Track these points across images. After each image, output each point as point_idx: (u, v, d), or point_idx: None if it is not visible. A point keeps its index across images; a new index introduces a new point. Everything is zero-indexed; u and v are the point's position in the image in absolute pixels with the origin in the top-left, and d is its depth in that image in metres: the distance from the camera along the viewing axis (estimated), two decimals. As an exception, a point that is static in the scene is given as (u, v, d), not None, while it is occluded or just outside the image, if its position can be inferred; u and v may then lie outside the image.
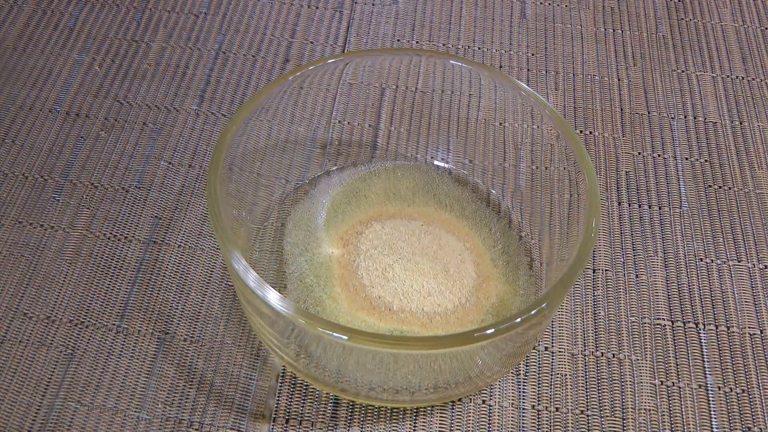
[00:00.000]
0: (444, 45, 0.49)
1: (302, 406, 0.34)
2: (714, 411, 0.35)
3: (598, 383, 0.35)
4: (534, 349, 0.36)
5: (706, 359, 0.36)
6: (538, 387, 0.35)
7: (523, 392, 0.35)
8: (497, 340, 0.30)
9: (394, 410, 0.34)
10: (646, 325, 0.37)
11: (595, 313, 0.38)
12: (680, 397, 0.35)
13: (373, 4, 0.51)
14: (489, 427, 0.34)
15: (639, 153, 0.44)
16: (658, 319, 0.38)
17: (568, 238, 0.35)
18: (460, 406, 0.34)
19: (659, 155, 0.44)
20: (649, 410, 0.35)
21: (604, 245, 0.40)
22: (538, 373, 0.36)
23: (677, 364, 0.36)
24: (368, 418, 0.34)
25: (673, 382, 0.36)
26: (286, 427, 0.34)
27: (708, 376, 0.36)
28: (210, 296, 0.37)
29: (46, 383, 0.34)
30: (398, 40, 0.49)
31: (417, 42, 0.49)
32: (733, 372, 0.36)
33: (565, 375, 0.36)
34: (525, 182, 0.40)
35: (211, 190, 0.32)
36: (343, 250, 0.37)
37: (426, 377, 0.32)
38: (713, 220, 0.41)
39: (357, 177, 0.41)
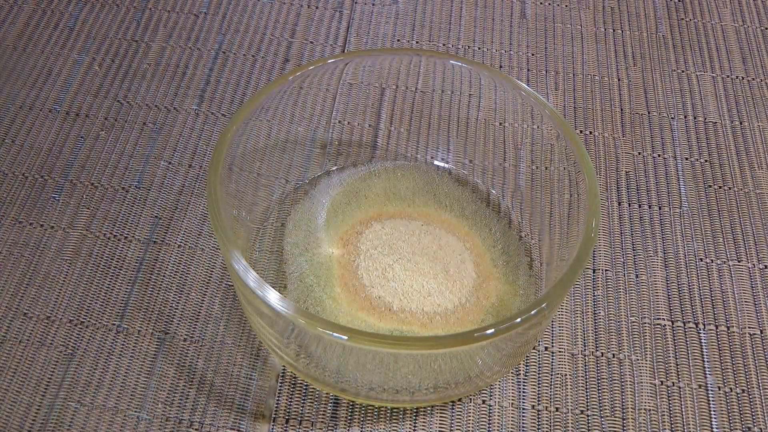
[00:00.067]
0: (444, 45, 0.49)
1: (302, 406, 0.34)
2: (714, 411, 0.35)
3: (598, 383, 0.35)
4: (534, 349, 0.36)
5: (706, 359, 0.36)
6: (538, 387, 0.35)
7: (523, 392, 0.35)
8: (497, 340, 0.30)
9: (394, 410, 0.34)
10: (646, 325, 0.37)
11: (595, 313, 0.38)
12: (680, 397, 0.35)
13: (373, 4, 0.51)
14: (489, 427, 0.34)
15: (639, 153, 0.44)
16: (658, 319, 0.38)
17: (568, 238, 0.35)
18: (460, 406, 0.34)
19: (659, 155, 0.44)
20: (649, 410, 0.35)
21: (604, 245, 0.40)
22: (538, 373, 0.36)
23: (677, 364, 0.36)
24: (368, 418, 0.34)
25: (673, 382, 0.36)
26: (286, 427, 0.34)
27: (708, 376, 0.36)
28: (210, 296, 0.37)
29: (46, 383, 0.34)
30: (398, 40, 0.49)
31: (417, 42, 0.49)
32: (733, 372, 0.36)
33: (565, 375, 0.36)
34: (525, 182, 0.40)
35: (211, 190, 0.32)
36: (343, 250, 0.37)
37: (426, 377, 0.32)
38: (713, 220, 0.41)
39: (357, 177, 0.41)
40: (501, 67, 0.48)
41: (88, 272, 0.38)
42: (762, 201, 0.42)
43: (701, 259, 0.40)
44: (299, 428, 0.34)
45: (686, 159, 0.44)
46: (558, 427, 0.34)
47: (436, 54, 0.41)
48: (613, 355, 0.36)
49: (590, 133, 0.45)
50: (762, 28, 0.51)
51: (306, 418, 0.34)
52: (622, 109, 0.46)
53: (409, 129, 0.43)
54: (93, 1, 0.50)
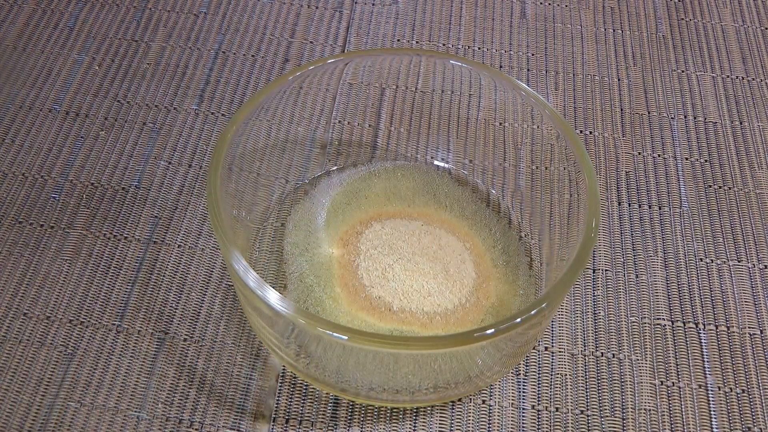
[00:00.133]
0: (444, 45, 0.49)
1: (302, 406, 0.34)
2: (714, 411, 0.35)
3: (598, 383, 0.35)
4: (534, 349, 0.36)
5: (706, 359, 0.36)
6: (538, 387, 0.35)
7: (523, 392, 0.35)
8: (497, 340, 0.30)
9: (394, 410, 0.34)
10: (646, 325, 0.37)
11: (595, 313, 0.38)
12: (680, 397, 0.35)
13: (373, 4, 0.51)
14: (489, 427, 0.34)
15: (639, 153, 0.44)
16: (658, 319, 0.38)
17: (568, 238, 0.35)
18: (460, 406, 0.34)
19: (659, 155, 0.44)
20: (649, 410, 0.35)
21: (604, 245, 0.40)
22: (538, 373, 0.36)
23: (677, 364, 0.36)
24: (368, 418, 0.34)
25: (673, 382, 0.36)
26: (286, 427, 0.34)
27: (708, 376, 0.36)
28: (210, 296, 0.37)
29: (46, 383, 0.34)
30: (398, 40, 0.49)
31: (417, 42, 0.49)
32: (733, 372, 0.36)
33: (565, 375, 0.36)
34: (525, 182, 0.40)
35: (211, 190, 0.32)
36: (343, 250, 0.37)
37: (426, 377, 0.32)
38: (713, 220, 0.41)
39: (357, 177, 0.41)
40: (501, 67, 0.48)
41: (88, 272, 0.38)
42: (762, 201, 0.42)
43: (701, 259, 0.40)
44: (299, 428, 0.34)
45: (686, 159, 0.44)
46: (558, 427, 0.34)
47: (436, 54, 0.41)
48: (613, 355, 0.36)
49: (590, 133, 0.45)
50: (762, 28, 0.51)
51: (306, 418, 0.34)
52: (622, 109, 0.46)
53: (409, 129, 0.43)
54: (93, 0, 0.50)
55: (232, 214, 0.36)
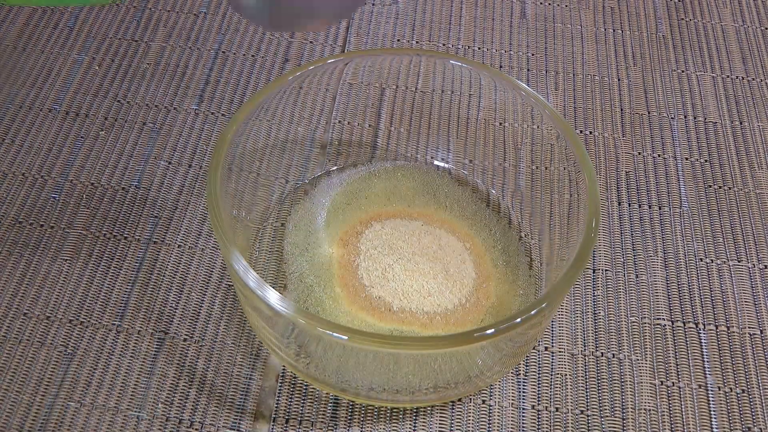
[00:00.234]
0: (444, 45, 0.49)
1: (302, 406, 0.34)
2: (714, 411, 0.35)
3: (598, 383, 0.35)
4: (534, 349, 0.36)
5: (706, 359, 0.36)
6: (538, 387, 0.35)
7: (523, 392, 0.35)
8: (497, 340, 0.30)
9: (394, 410, 0.34)
10: (646, 325, 0.37)
11: (595, 313, 0.38)
12: (680, 397, 0.35)
13: (373, 4, 0.51)
14: (489, 427, 0.34)
15: (639, 153, 0.44)
16: (658, 319, 0.38)
17: (568, 238, 0.35)
18: (460, 406, 0.34)
19: (659, 155, 0.44)
20: (649, 410, 0.35)
21: (604, 245, 0.40)
22: (538, 373, 0.36)
23: (677, 364, 0.36)
24: (368, 418, 0.34)
25: (673, 382, 0.36)
26: (286, 427, 0.34)
27: (708, 376, 0.36)
28: (210, 296, 0.37)
29: (46, 383, 0.34)
30: (398, 40, 0.49)
31: (417, 42, 0.49)
32: (733, 372, 0.36)
33: (565, 375, 0.36)
34: (525, 182, 0.40)
35: (211, 190, 0.32)
36: (343, 250, 0.37)
37: (426, 377, 0.32)
38: (713, 220, 0.41)
39: (357, 177, 0.41)
40: (501, 67, 0.48)
41: (88, 272, 0.38)
42: (762, 201, 0.42)
43: (701, 259, 0.40)
44: (299, 428, 0.34)
45: (686, 159, 0.44)
46: (558, 427, 0.34)
47: (436, 54, 0.41)
48: (613, 355, 0.36)
49: (590, 133, 0.45)
50: (762, 28, 0.51)
51: (306, 418, 0.34)
52: (622, 109, 0.46)
53: (409, 129, 0.43)
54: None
55: (232, 214, 0.36)
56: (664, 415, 0.35)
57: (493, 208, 0.40)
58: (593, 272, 0.39)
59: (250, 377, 0.35)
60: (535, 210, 0.39)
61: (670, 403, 0.35)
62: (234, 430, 0.33)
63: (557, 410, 0.35)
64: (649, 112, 0.46)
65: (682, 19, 0.52)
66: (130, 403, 0.34)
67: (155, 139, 0.43)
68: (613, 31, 0.50)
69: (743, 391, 0.36)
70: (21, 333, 0.36)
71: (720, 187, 0.43)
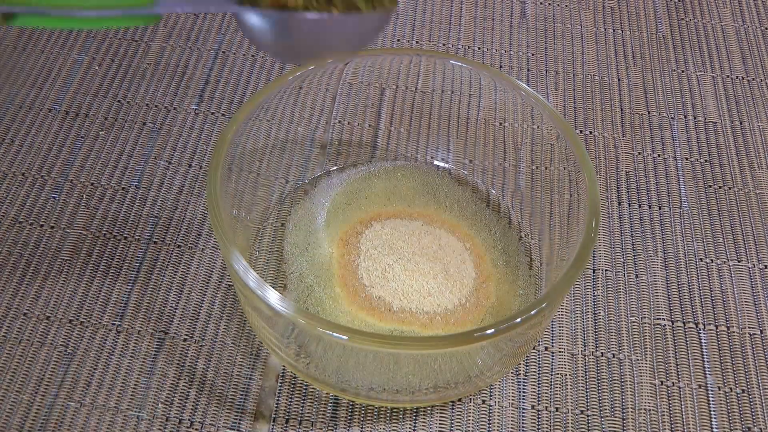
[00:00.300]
0: (444, 45, 0.49)
1: (302, 406, 0.34)
2: (714, 411, 0.35)
3: (598, 383, 0.35)
4: (534, 349, 0.36)
5: (706, 359, 0.36)
6: (538, 387, 0.35)
7: (523, 392, 0.35)
8: (497, 340, 0.30)
9: (394, 410, 0.34)
10: (646, 325, 0.37)
11: (595, 313, 0.38)
12: (680, 397, 0.35)
13: (372, 4, 0.51)
14: (489, 427, 0.34)
15: (639, 153, 0.44)
16: (658, 319, 0.38)
17: (568, 238, 0.35)
18: (460, 406, 0.34)
19: (659, 155, 0.44)
20: (649, 410, 0.35)
21: (604, 245, 0.40)
22: (538, 373, 0.35)
23: (677, 364, 0.36)
24: (368, 418, 0.34)
25: (673, 382, 0.36)
26: (286, 427, 0.34)
27: (708, 376, 0.36)
28: (210, 296, 0.37)
29: (46, 383, 0.34)
30: (398, 40, 0.49)
31: (417, 42, 0.49)
32: (733, 372, 0.36)
33: (565, 375, 0.36)
34: (525, 182, 0.40)
35: (211, 189, 0.32)
36: (343, 250, 0.37)
37: (426, 377, 0.32)
38: (713, 220, 0.41)
39: (357, 177, 0.41)
40: (501, 67, 0.48)
41: (88, 272, 0.38)
42: (762, 201, 0.42)
43: (701, 259, 0.40)
44: (299, 428, 0.34)
45: (686, 159, 0.44)
46: (558, 427, 0.34)
47: (436, 54, 0.41)
48: (613, 355, 0.36)
49: (590, 133, 0.45)
50: (762, 28, 0.51)
51: (306, 418, 0.34)
52: (622, 109, 0.46)
53: (409, 129, 0.43)
54: None
55: (232, 214, 0.36)
56: (664, 415, 0.35)
57: (493, 208, 0.40)
58: (593, 272, 0.39)
59: (250, 377, 0.35)
60: (535, 210, 0.39)
61: (670, 403, 0.35)
62: (234, 430, 0.33)
63: (557, 410, 0.35)
64: (649, 112, 0.46)
65: (682, 19, 0.52)
66: (130, 403, 0.34)
67: (155, 139, 0.43)
68: (613, 31, 0.50)
69: (743, 391, 0.36)
70: (21, 333, 0.36)
71: (720, 187, 0.43)
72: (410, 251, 0.37)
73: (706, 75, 0.48)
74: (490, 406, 0.34)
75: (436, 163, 0.42)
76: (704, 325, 0.38)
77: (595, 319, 0.37)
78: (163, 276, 0.38)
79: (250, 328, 0.36)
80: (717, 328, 0.37)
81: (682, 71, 0.48)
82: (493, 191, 0.41)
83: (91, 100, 0.45)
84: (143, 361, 0.35)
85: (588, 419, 0.34)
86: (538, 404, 0.35)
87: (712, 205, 0.42)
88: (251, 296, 0.30)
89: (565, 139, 0.35)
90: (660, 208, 0.42)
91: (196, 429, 0.33)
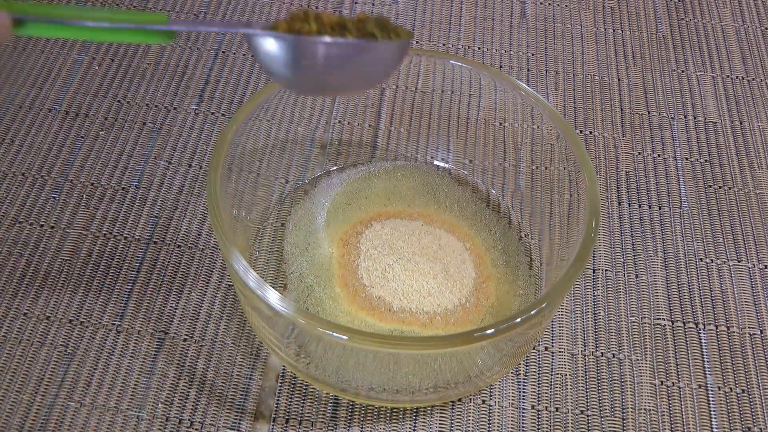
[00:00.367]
0: (444, 45, 0.49)
1: (302, 406, 0.34)
2: (714, 411, 0.35)
3: (598, 383, 0.35)
4: (534, 349, 0.36)
5: (706, 359, 0.36)
6: (538, 387, 0.35)
7: (523, 392, 0.35)
8: (497, 340, 0.30)
9: (394, 410, 0.34)
10: (646, 325, 0.37)
11: (595, 313, 0.38)
12: (680, 397, 0.35)
13: (373, 4, 0.51)
14: (489, 427, 0.34)
15: (639, 153, 0.44)
16: (658, 319, 0.38)
17: (568, 238, 0.35)
18: (460, 406, 0.34)
19: (659, 155, 0.44)
20: (649, 410, 0.35)
21: (604, 245, 0.40)
22: (538, 373, 0.35)
23: (677, 364, 0.36)
24: (368, 418, 0.34)
25: (673, 382, 0.36)
26: (286, 427, 0.34)
27: (708, 376, 0.36)
28: (210, 296, 0.37)
29: (46, 383, 0.34)
30: (398, 40, 0.49)
31: (417, 42, 0.49)
32: (733, 372, 0.36)
33: (565, 375, 0.36)
34: (525, 182, 0.40)
35: (211, 189, 0.32)
36: (343, 250, 0.37)
37: (426, 377, 0.32)
38: (713, 220, 0.41)
39: (357, 177, 0.41)
40: (501, 67, 0.48)
41: (88, 272, 0.38)
42: (762, 201, 0.42)
43: (701, 259, 0.40)
44: (299, 428, 0.34)
45: (686, 159, 0.44)
46: (558, 427, 0.34)
47: (436, 54, 0.41)
48: (613, 355, 0.36)
49: (590, 133, 0.45)
50: (762, 28, 0.51)
51: (306, 418, 0.34)
52: (622, 109, 0.46)
53: (409, 129, 0.43)
54: (93, 0, 0.50)
55: (232, 214, 0.36)
56: (664, 415, 0.35)
57: (493, 208, 0.40)
58: (593, 272, 0.39)
59: (250, 377, 0.35)
60: (535, 210, 0.39)
61: (670, 403, 0.35)
62: (234, 430, 0.33)
63: (557, 410, 0.35)
64: (649, 112, 0.46)
65: (682, 19, 0.52)
66: (130, 403, 0.34)
67: (155, 139, 0.43)
68: (613, 31, 0.50)
69: (743, 391, 0.36)
70: (21, 333, 0.36)
71: (720, 187, 0.43)
72: (410, 251, 0.37)
73: (706, 75, 0.48)
74: (490, 406, 0.34)
75: (436, 163, 0.42)
76: (704, 325, 0.38)
77: (595, 319, 0.37)
78: (163, 276, 0.38)
79: (250, 328, 0.36)
80: (717, 328, 0.37)
81: (682, 71, 0.48)
82: (493, 191, 0.41)
83: (91, 100, 0.45)
84: (143, 361, 0.35)
85: (588, 419, 0.34)
86: (538, 404, 0.35)
87: (712, 205, 0.42)
88: (251, 296, 0.30)
89: (565, 139, 0.35)
90: (660, 208, 0.42)
91: (196, 429, 0.33)
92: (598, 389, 0.35)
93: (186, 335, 0.36)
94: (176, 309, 0.37)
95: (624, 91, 0.47)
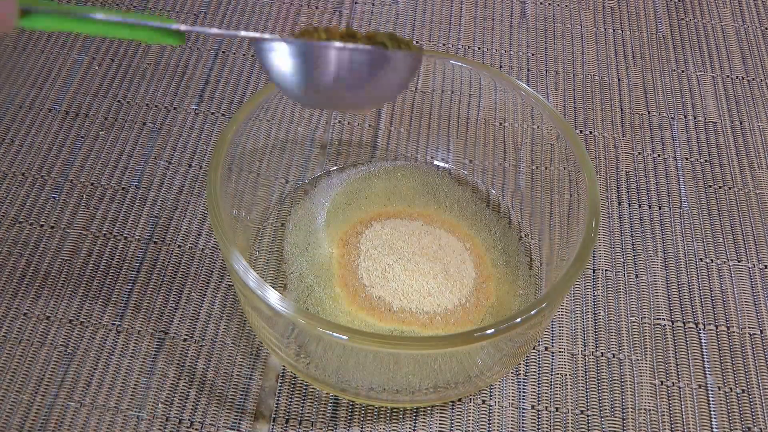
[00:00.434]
0: (444, 45, 0.49)
1: (302, 406, 0.34)
2: (714, 411, 0.35)
3: (598, 383, 0.35)
4: (534, 349, 0.36)
5: (706, 359, 0.36)
6: (538, 387, 0.35)
7: (523, 392, 0.35)
8: (497, 340, 0.30)
9: (394, 410, 0.34)
10: (646, 325, 0.37)
11: (595, 313, 0.38)
12: (680, 397, 0.35)
13: (373, 4, 0.51)
14: (489, 427, 0.34)
15: (639, 153, 0.44)
16: (658, 319, 0.38)
17: (568, 238, 0.35)
18: (460, 406, 0.34)
19: (659, 155, 0.44)
20: (649, 410, 0.35)
21: (604, 245, 0.40)
22: (538, 373, 0.35)
23: (677, 364, 0.36)
24: (368, 418, 0.34)
25: (673, 382, 0.36)
26: (286, 427, 0.34)
27: (708, 376, 0.36)
28: (210, 296, 0.37)
29: (46, 383, 0.34)
30: (398, 40, 0.49)
31: (417, 42, 0.49)
32: (733, 372, 0.36)
33: (565, 375, 0.36)
34: (525, 182, 0.40)
35: (211, 189, 0.32)
36: (343, 250, 0.37)
37: (426, 377, 0.32)
38: (713, 220, 0.41)
39: (357, 177, 0.41)
40: (501, 67, 0.48)
41: (88, 272, 0.38)
42: (762, 201, 0.42)
43: (701, 259, 0.40)
44: (299, 428, 0.34)
45: (686, 159, 0.44)
46: (558, 427, 0.34)
47: (436, 54, 0.41)
48: (613, 355, 0.36)
49: (590, 133, 0.45)
50: (762, 28, 0.51)
51: (306, 418, 0.34)
52: (622, 109, 0.46)
53: (409, 129, 0.43)
54: (93, 0, 0.50)
55: (232, 214, 0.36)
56: (664, 415, 0.35)
57: (493, 208, 0.40)
58: (593, 272, 0.39)
59: (250, 377, 0.35)
60: (535, 210, 0.39)
61: (670, 403, 0.35)
62: (234, 430, 0.33)
63: (557, 410, 0.35)
64: (649, 112, 0.46)
65: (682, 19, 0.52)
66: (130, 403, 0.34)
67: (155, 139, 0.43)
68: (613, 31, 0.50)
69: (743, 391, 0.36)
70: (21, 333, 0.36)
71: (720, 187, 0.43)
72: (410, 251, 0.37)
73: (706, 75, 0.48)
74: (490, 406, 0.34)
75: (436, 163, 0.42)
76: (704, 325, 0.38)
77: (595, 319, 0.37)
78: (163, 276, 0.38)
79: (250, 328, 0.36)
80: (717, 328, 0.37)
81: (682, 71, 0.48)
82: (493, 191, 0.41)
83: (91, 100, 0.45)
84: (143, 361, 0.35)
85: (588, 419, 0.34)
86: (538, 404, 0.35)
87: (712, 205, 0.42)
88: (251, 296, 0.30)
89: (565, 139, 0.35)
90: (660, 208, 0.42)
91: (196, 429, 0.33)
92: (598, 389, 0.35)
93: (186, 335, 0.36)
94: (176, 309, 0.37)
95: (624, 91, 0.47)
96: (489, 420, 0.34)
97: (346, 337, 0.28)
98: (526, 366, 0.36)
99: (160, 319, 0.36)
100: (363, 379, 0.33)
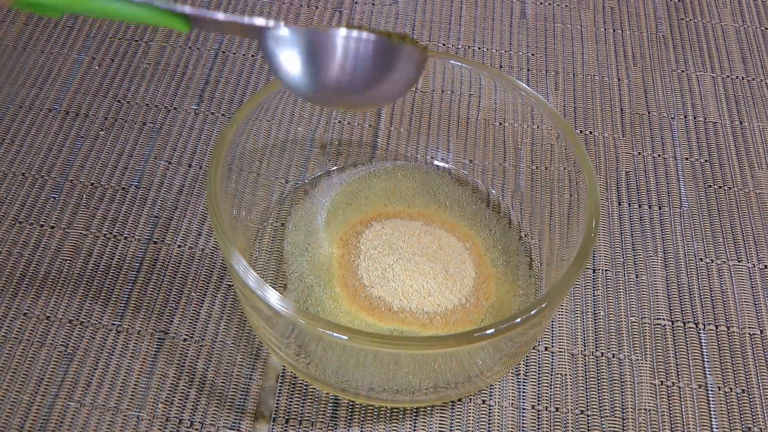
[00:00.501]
0: (444, 45, 0.49)
1: (302, 406, 0.34)
2: (714, 411, 0.35)
3: (598, 383, 0.35)
4: (534, 349, 0.36)
5: (706, 359, 0.36)
6: (538, 387, 0.35)
7: (523, 392, 0.35)
8: (497, 340, 0.30)
9: (394, 410, 0.34)
10: (646, 325, 0.37)
11: (595, 313, 0.38)
12: (680, 397, 0.35)
13: (373, 4, 0.51)
14: (489, 427, 0.34)
15: (639, 153, 0.44)
16: (658, 319, 0.38)
17: (568, 238, 0.35)
18: (460, 406, 0.34)
19: (659, 155, 0.44)
20: (649, 410, 0.35)
21: (604, 245, 0.40)
22: (538, 373, 0.35)
23: (677, 364, 0.36)
24: (368, 418, 0.34)
25: (673, 382, 0.36)
26: (286, 427, 0.34)
27: (708, 376, 0.36)
28: (210, 296, 0.37)
29: (46, 383, 0.34)
30: (398, 40, 0.49)
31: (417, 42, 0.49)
32: (733, 372, 0.36)
33: (565, 375, 0.36)
34: (525, 182, 0.40)
35: (211, 189, 0.32)
36: (343, 250, 0.37)
37: (426, 377, 0.32)
38: (713, 220, 0.41)
39: (357, 177, 0.41)
40: (501, 67, 0.48)
41: (88, 272, 0.38)
42: (762, 201, 0.42)
43: (701, 259, 0.40)
44: (299, 428, 0.34)
45: (686, 159, 0.44)
46: (558, 427, 0.34)
47: (436, 54, 0.41)
48: (613, 355, 0.36)
49: (590, 133, 0.45)
50: (762, 28, 0.51)
51: (306, 418, 0.34)
52: (622, 109, 0.46)
53: (409, 129, 0.43)
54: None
55: (232, 214, 0.36)
56: (664, 415, 0.35)
57: (493, 208, 0.40)
58: (593, 272, 0.39)
59: (250, 377, 0.35)
60: (535, 210, 0.39)
61: (670, 403, 0.35)
62: (234, 430, 0.33)
63: (557, 410, 0.35)
64: (649, 112, 0.46)
65: (682, 19, 0.52)
66: (130, 403, 0.34)
67: (155, 139, 0.43)
68: (613, 31, 0.50)
69: (743, 391, 0.36)
70: (21, 333, 0.36)
71: (720, 187, 0.43)
72: (410, 251, 0.37)
73: (706, 75, 0.48)
74: (490, 406, 0.34)
75: (436, 163, 0.42)
76: (704, 325, 0.38)
77: (595, 319, 0.37)
78: (163, 276, 0.38)
79: (250, 328, 0.36)
80: (717, 328, 0.37)
81: (682, 71, 0.48)
82: (493, 191, 0.41)
83: (91, 100, 0.45)
84: (143, 361, 0.35)
85: (588, 419, 0.34)
86: (538, 404, 0.35)
87: (712, 205, 0.42)
88: (251, 296, 0.30)
89: (565, 139, 0.35)
90: (660, 208, 0.42)
91: (196, 429, 0.33)
92: (598, 389, 0.35)
93: (186, 335, 0.36)
94: (176, 309, 0.37)
95: (624, 91, 0.47)
96: (489, 420, 0.34)
97: (346, 337, 0.28)
98: (526, 366, 0.36)
99: (160, 319, 0.36)
100: (363, 379, 0.33)
